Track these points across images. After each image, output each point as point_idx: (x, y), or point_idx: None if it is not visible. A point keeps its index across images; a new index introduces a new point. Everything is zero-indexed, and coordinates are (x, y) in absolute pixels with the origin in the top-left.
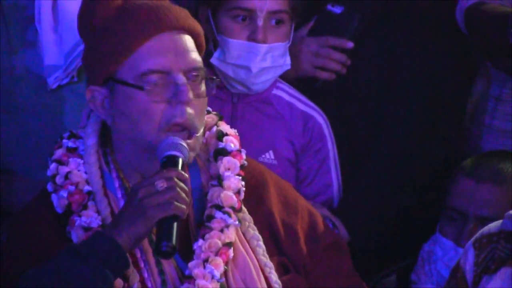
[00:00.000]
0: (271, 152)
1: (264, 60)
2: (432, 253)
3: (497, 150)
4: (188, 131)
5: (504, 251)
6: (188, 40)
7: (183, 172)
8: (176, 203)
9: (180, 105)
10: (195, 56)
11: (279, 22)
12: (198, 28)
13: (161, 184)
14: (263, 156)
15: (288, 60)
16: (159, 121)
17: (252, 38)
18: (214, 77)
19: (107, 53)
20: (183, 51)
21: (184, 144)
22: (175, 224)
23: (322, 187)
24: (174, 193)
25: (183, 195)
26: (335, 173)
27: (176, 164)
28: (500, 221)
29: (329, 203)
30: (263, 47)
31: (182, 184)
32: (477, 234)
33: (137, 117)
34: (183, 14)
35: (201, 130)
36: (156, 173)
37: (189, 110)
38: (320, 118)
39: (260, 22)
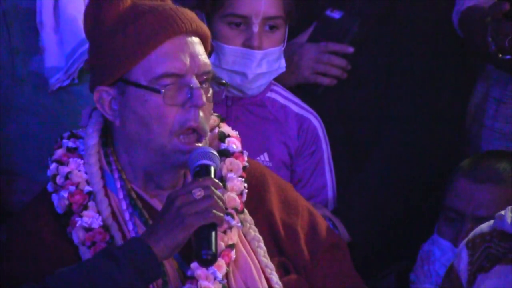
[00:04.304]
0: (265, 154)
1: (259, 66)
2: (431, 253)
3: (495, 150)
4: (198, 134)
5: (498, 249)
6: (199, 43)
7: (217, 181)
8: (214, 211)
9: (193, 109)
10: (206, 59)
11: (274, 27)
12: (207, 31)
13: (198, 193)
14: (258, 158)
15: (282, 63)
16: (171, 124)
17: (247, 44)
18: (225, 81)
19: (120, 54)
20: (196, 55)
21: (215, 153)
22: (213, 232)
23: (317, 189)
24: (213, 201)
25: (221, 203)
26: (330, 175)
27: (209, 172)
28: (492, 221)
29: (324, 204)
30: (259, 54)
31: (218, 193)
32: (470, 235)
33: (150, 120)
34: (194, 17)
35: (209, 133)
36: (192, 182)
37: (201, 114)
38: (314, 120)
39: (256, 29)
